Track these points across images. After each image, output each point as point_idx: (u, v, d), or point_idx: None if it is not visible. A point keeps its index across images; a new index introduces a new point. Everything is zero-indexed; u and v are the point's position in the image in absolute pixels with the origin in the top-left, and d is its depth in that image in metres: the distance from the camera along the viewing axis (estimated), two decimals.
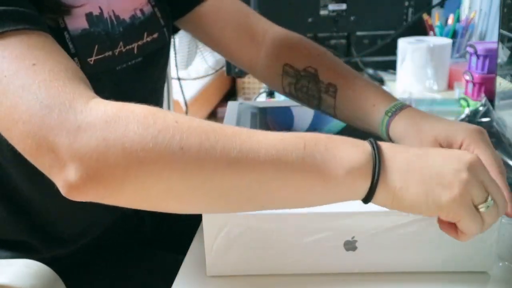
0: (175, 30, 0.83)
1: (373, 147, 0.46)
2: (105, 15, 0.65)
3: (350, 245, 0.53)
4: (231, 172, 0.43)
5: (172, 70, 1.75)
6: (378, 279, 0.55)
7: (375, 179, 0.45)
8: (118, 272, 0.73)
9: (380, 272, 0.55)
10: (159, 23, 0.72)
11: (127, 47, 0.67)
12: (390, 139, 0.63)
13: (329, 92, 0.70)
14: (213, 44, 0.80)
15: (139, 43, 0.69)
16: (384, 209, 0.51)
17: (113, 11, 0.66)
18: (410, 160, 0.46)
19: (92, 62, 0.62)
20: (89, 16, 0.63)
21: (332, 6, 1.26)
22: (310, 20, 1.31)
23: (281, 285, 0.55)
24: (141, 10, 0.70)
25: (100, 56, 0.63)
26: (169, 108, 1.92)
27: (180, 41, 2.23)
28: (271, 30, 0.77)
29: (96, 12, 0.64)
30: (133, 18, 0.68)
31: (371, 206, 0.52)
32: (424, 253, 0.54)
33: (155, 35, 0.71)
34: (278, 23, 0.79)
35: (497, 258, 0.56)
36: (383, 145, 0.47)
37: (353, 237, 0.53)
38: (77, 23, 0.61)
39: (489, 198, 0.45)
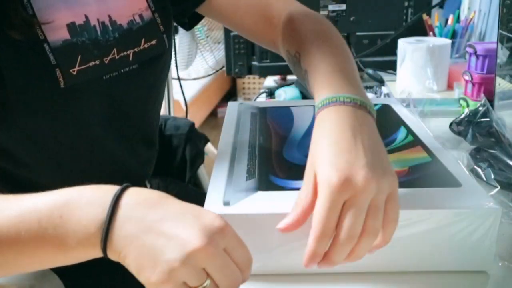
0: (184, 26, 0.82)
1: (110, 209, 0.46)
2: (93, 22, 0.64)
3: None
4: None
5: (172, 70, 1.74)
6: (378, 279, 0.55)
7: (103, 248, 0.46)
8: (118, 272, 0.73)
9: (380, 272, 0.55)
10: (159, 30, 0.71)
11: (122, 54, 0.66)
12: None
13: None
14: (236, 29, 0.81)
15: (136, 49, 0.68)
16: None
17: (109, 16, 0.65)
18: (137, 234, 0.46)
19: (74, 73, 0.61)
20: (70, 26, 0.62)
21: (332, 7, 1.26)
22: None
23: (281, 285, 0.55)
24: (140, 16, 0.69)
25: (83, 66, 0.62)
26: (169, 108, 1.92)
27: (180, 41, 2.22)
28: (285, 12, 0.75)
29: (79, 21, 0.63)
30: (131, 24, 0.68)
31: None
32: (424, 253, 0.54)
33: (154, 42, 0.70)
34: None
35: (497, 258, 0.56)
36: (126, 202, 0.46)
37: None
38: (57, 34, 0.61)
39: (206, 282, 0.46)
